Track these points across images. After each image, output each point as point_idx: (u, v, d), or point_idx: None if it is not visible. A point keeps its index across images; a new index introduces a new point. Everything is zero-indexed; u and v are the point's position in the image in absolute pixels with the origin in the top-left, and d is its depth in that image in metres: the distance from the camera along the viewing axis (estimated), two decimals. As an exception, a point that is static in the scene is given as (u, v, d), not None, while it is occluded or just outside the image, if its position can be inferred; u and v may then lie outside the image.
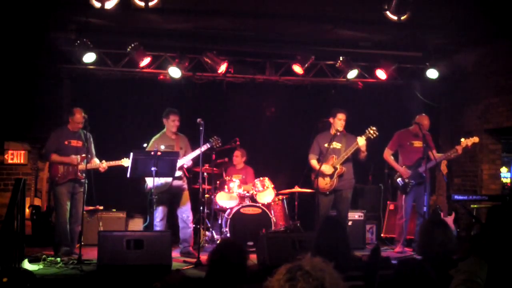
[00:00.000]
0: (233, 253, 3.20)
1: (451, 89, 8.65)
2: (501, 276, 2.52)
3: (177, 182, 6.78)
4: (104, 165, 6.61)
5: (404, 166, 7.24)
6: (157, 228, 6.62)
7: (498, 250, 2.54)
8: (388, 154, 7.34)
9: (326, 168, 6.86)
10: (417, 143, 7.25)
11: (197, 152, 6.66)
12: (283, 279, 1.61)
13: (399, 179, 7.26)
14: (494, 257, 2.48)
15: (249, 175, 8.12)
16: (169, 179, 6.65)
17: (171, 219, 7.12)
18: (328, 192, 6.91)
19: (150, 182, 6.53)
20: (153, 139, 6.89)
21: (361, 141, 6.74)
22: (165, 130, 6.93)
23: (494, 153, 8.19)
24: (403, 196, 7.25)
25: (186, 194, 6.90)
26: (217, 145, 6.91)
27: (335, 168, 6.87)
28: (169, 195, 6.81)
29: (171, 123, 6.83)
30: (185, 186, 6.94)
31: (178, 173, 6.68)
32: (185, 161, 6.75)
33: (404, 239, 7.32)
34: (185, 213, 6.84)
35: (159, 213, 6.73)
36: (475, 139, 6.98)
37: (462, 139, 7.02)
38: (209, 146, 6.77)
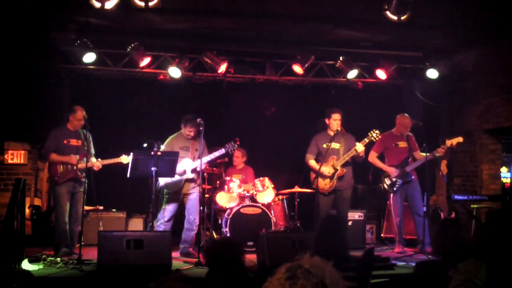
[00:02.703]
0: (226, 249, 3.22)
1: (451, 89, 8.64)
2: (500, 277, 2.52)
3: (189, 184, 6.79)
4: (98, 163, 6.55)
5: (391, 166, 7.27)
6: (161, 228, 6.62)
7: (496, 251, 2.55)
8: (373, 157, 7.35)
9: (326, 169, 6.86)
10: (402, 144, 7.31)
11: (211, 156, 6.69)
12: (284, 278, 1.62)
13: (386, 179, 7.28)
14: (493, 258, 2.49)
15: (249, 175, 8.12)
16: (182, 179, 6.67)
17: (175, 218, 7.10)
18: (327, 193, 6.92)
19: (162, 180, 6.62)
20: (170, 138, 6.90)
21: (360, 147, 6.75)
22: (182, 131, 6.91)
23: (494, 153, 8.18)
24: (392, 195, 7.28)
25: (197, 197, 6.84)
26: (232, 151, 6.95)
27: (336, 169, 6.87)
28: (181, 196, 6.81)
29: (187, 132, 6.80)
30: (198, 188, 6.88)
31: (191, 175, 6.73)
32: (198, 164, 6.67)
33: (402, 239, 7.31)
34: (192, 215, 6.81)
35: (168, 212, 6.72)
36: (459, 139, 7.02)
37: (447, 140, 7.06)
38: (223, 152, 6.79)
